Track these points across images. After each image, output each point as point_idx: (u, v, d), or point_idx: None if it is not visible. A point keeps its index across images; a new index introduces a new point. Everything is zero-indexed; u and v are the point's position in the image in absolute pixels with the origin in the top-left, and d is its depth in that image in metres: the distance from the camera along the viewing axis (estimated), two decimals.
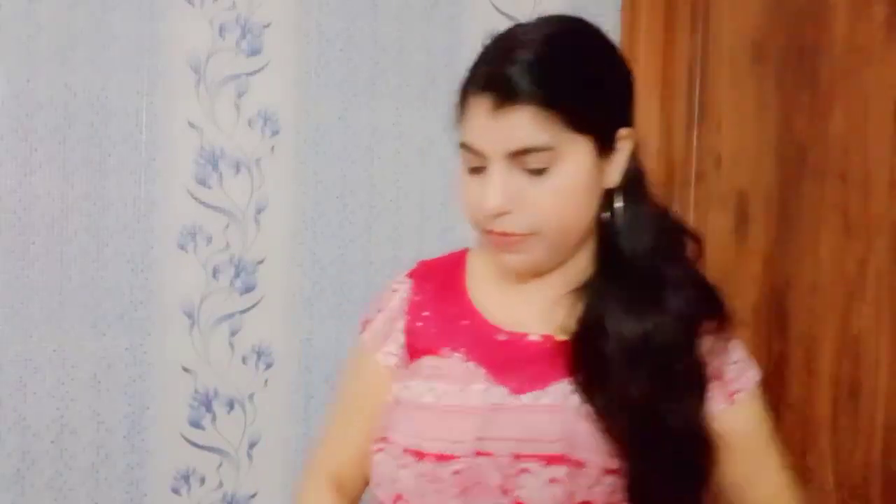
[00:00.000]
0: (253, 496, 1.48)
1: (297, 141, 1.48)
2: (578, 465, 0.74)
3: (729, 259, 1.51)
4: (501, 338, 0.82)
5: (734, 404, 0.81)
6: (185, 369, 1.44)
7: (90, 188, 1.37)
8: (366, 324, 0.90)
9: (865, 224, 1.22)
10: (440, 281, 0.88)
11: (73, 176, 1.36)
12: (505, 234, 0.76)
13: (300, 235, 1.49)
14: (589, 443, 0.74)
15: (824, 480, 1.26)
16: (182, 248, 1.43)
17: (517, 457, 0.74)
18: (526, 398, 0.77)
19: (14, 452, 1.34)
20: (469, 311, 0.84)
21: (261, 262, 1.48)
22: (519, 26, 0.81)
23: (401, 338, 0.86)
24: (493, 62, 0.76)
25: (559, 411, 0.76)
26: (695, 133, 1.63)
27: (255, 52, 1.46)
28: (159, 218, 1.42)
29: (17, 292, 1.33)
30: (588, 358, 0.77)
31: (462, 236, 1.65)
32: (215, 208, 1.45)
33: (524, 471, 0.73)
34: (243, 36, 1.46)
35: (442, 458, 0.75)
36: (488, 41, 0.80)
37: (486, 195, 0.74)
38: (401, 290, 0.89)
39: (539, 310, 0.81)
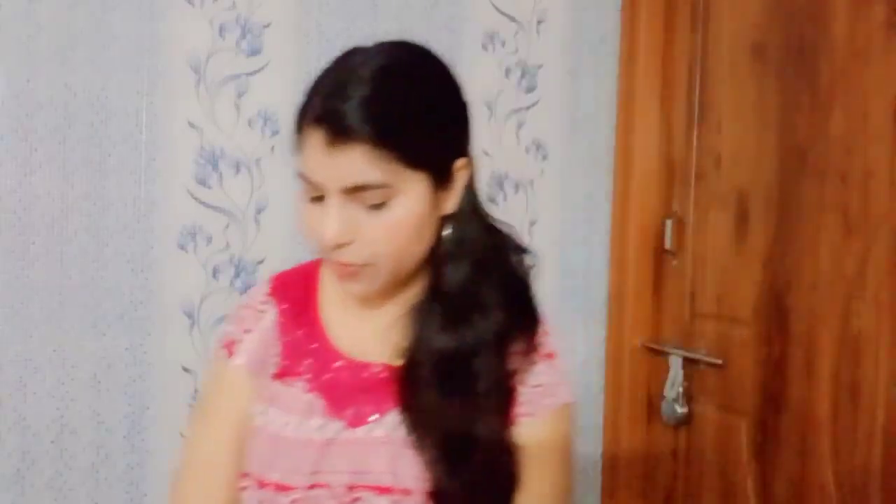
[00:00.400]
0: None
1: None
2: (405, 492, 0.78)
3: (729, 259, 1.51)
4: (343, 366, 0.84)
5: (518, 426, 0.82)
6: (185, 369, 1.44)
7: (90, 188, 1.37)
8: (232, 345, 0.87)
9: (865, 224, 1.22)
10: (295, 298, 0.88)
11: (73, 176, 1.36)
12: (343, 265, 0.78)
13: (300, 235, 1.49)
14: (414, 470, 0.78)
15: (824, 480, 1.26)
16: (182, 248, 1.43)
17: (351, 487, 0.78)
18: (360, 432, 0.81)
19: (14, 452, 1.34)
20: (318, 334, 0.86)
21: (261, 262, 1.48)
22: (356, 54, 0.78)
23: (278, 361, 0.86)
24: (327, 95, 0.75)
25: (390, 443, 0.80)
26: (695, 133, 1.63)
27: (255, 52, 1.46)
28: (159, 218, 1.42)
29: (17, 292, 1.33)
30: (409, 383, 0.81)
31: None
32: (215, 208, 1.45)
33: (357, 499, 0.78)
34: (243, 36, 1.46)
35: (280, 487, 0.79)
36: (326, 67, 0.79)
37: (324, 226, 0.75)
38: (269, 313, 0.87)
39: (380, 333, 0.84)
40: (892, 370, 1.17)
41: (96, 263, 1.38)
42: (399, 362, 0.82)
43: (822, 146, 1.30)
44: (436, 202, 0.79)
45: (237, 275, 1.46)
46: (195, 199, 1.44)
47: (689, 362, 1.60)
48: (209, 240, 1.45)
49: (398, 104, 0.75)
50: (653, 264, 1.74)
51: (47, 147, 1.34)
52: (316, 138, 0.73)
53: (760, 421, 1.41)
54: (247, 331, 0.87)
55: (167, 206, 1.42)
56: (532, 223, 1.73)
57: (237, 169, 1.46)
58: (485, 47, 1.66)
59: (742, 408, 1.46)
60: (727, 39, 1.54)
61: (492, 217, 0.86)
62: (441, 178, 0.79)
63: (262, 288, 0.90)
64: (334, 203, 0.75)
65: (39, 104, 1.34)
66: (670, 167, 1.70)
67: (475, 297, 0.81)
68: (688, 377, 1.61)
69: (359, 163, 0.72)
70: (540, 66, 1.72)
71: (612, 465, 1.77)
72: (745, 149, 1.47)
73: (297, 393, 0.83)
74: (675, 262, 1.68)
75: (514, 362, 0.82)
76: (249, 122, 1.46)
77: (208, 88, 1.44)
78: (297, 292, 0.89)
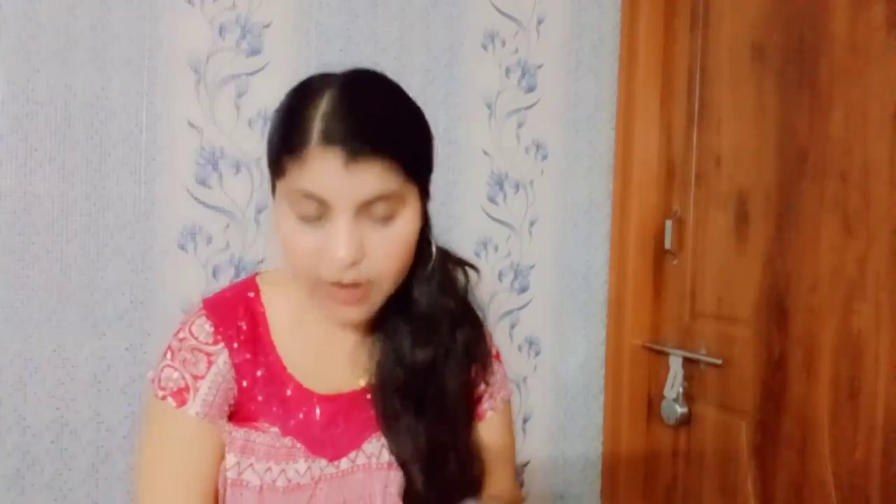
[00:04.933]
0: None
1: None
2: None
3: (729, 259, 1.51)
4: (313, 404, 0.85)
5: (484, 420, 0.92)
6: None
7: (90, 188, 1.37)
8: (182, 393, 0.80)
9: (865, 224, 1.22)
10: (245, 335, 0.84)
11: (73, 176, 1.36)
12: (354, 285, 0.76)
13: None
14: (399, 486, 0.83)
15: (824, 480, 1.26)
16: (182, 248, 1.43)
17: None
18: (343, 463, 0.83)
19: (14, 452, 1.34)
20: (280, 374, 0.84)
21: (261, 262, 1.48)
22: (329, 80, 0.78)
23: (233, 405, 0.83)
24: (330, 117, 0.73)
25: (374, 468, 0.84)
26: (695, 133, 1.63)
27: (255, 52, 1.46)
28: (159, 218, 1.42)
29: (17, 292, 1.33)
30: (386, 401, 0.84)
31: (461, 236, 1.65)
32: (215, 208, 1.45)
33: None
34: (243, 36, 1.46)
35: None
36: (295, 95, 0.78)
37: (337, 245, 0.74)
38: (221, 356, 0.83)
39: (342, 359, 0.86)
40: (892, 370, 1.17)
41: (96, 263, 1.38)
42: (365, 382, 0.86)
43: (822, 146, 1.30)
44: (422, 217, 0.82)
45: (237, 275, 1.46)
46: (195, 199, 1.44)
47: (689, 362, 1.60)
48: (209, 240, 1.45)
49: (398, 119, 0.77)
50: (653, 264, 1.74)
51: (47, 147, 1.34)
52: (329, 158, 0.72)
53: (760, 421, 1.41)
54: (196, 377, 0.81)
55: (167, 206, 1.42)
56: (532, 223, 1.73)
57: (237, 169, 1.46)
58: (485, 47, 1.66)
59: (742, 408, 1.46)
60: (727, 39, 1.54)
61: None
62: (425, 191, 0.82)
63: (201, 322, 0.84)
64: (345, 219, 0.74)
65: (39, 104, 1.34)
66: (670, 167, 1.71)
67: (441, 312, 0.86)
68: (688, 377, 1.61)
69: (377, 175, 0.73)
70: (540, 66, 1.72)
71: (612, 465, 1.77)
72: (745, 149, 1.47)
73: (274, 438, 0.82)
74: (675, 262, 1.68)
75: (476, 367, 0.90)
76: (249, 122, 1.46)
77: (208, 88, 1.44)
78: (244, 327, 0.85)
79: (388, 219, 0.76)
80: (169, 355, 0.82)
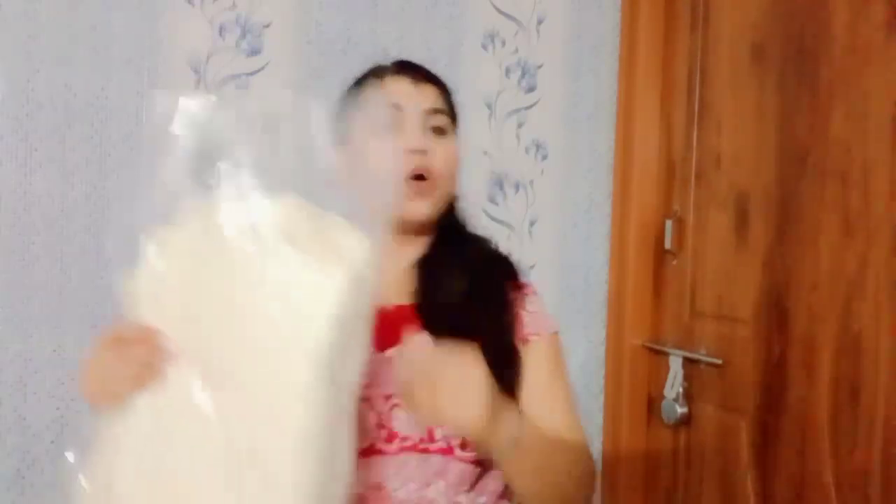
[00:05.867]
0: None
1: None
2: None
3: (729, 259, 1.51)
4: None
5: (527, 344, 0.99)
6: None
7: (90, 188, 1.37)
8: None
9: (865, 224, 1.22)
10: None
11: (73, 176, 1.36)
12: (425, 173, 0.95)
13: None
14: None
15: (824, 480, 1.27)
16: None
17: (387, 397, 0.92)
18: (389, 353, 0.92)
19: (14, 452, 1.34)
20: None
21: None
22: None
23: None
24: (400, 62, 1.04)
25: None
26: (695, 133, 1.63)
27: (255, 52, 1.47)
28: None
29: (17, 292, 1.33)
30: (430, 312, 0.97)
31: None
32: None
33: (395, 406, 0.92)
34: (243, 36, 1.46)
35: None
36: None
37: (410, 138, 0.96)
38: None
39: (392, 282, 1.00)
40: (892, 370, 1.17)
41: (96, 263, 1.38)
42: (411, 301, 0.98)
43: (822, 146, 1.30)
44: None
45: None
46: None
47: (689, 362, 1.60)
48: None
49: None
50: (653, 264, 1.74)
51: (47, 147, 1.34)
52: (402, 81, 1.01)
53: (760, 421, 1.41)
54: None
55: None
56: (532, 223, 1.73)
57: None
58: (485, 47, 1.66)
59: (742, 408, 1.46)
60: (727, 39, 1.54)
61: None
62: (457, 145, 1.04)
63: None
64: (415, 122, 0.97)
65: (39, 104, 1.34)
66: (670, 167, 1.71)
67: (473, 249, 1.04)
68: (688, 377, 1.61)
69: (437, 95, 1.02)
70: (540, 66, 1.72)
71: (612, 465, 1.77)
72: (745, 149, 1.47)
73: None
74: (675, 262, 1.68)
75: (512, 294, 1.01)
76: None
77: (208, 88, 1.44)
78: None
79: (442, 132, 0.99)
80: None
